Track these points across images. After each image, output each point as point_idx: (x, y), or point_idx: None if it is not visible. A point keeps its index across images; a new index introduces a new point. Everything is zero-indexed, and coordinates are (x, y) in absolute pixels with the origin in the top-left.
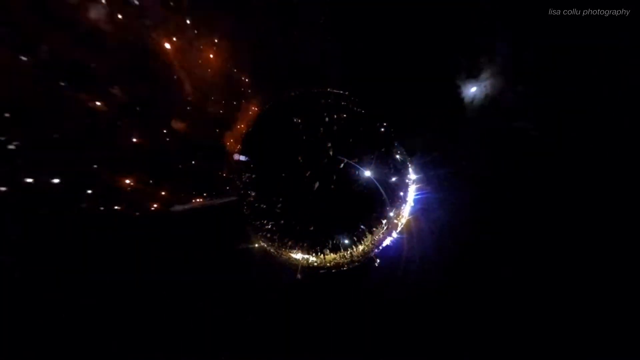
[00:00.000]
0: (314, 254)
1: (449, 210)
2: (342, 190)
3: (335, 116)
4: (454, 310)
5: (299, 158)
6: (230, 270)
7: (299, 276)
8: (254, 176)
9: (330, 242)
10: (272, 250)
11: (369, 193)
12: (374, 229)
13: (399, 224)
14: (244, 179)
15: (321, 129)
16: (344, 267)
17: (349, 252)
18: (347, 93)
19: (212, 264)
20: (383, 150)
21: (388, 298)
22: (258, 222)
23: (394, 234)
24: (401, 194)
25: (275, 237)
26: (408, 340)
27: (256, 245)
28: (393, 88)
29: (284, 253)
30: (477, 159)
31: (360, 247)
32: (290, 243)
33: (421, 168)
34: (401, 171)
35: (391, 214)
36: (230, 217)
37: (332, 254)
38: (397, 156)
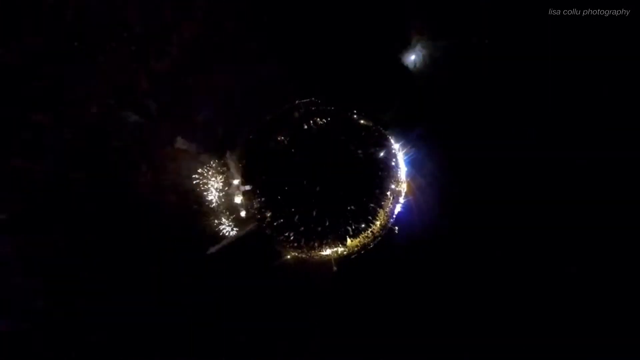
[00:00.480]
0: (340, 245)
1: (435, 160)
2: (343, 182)
3: (311, 122)
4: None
5: (296, 169)
6: (275, 285)
7: (335, 268)
8: (263, 199)
9: (351, 229)
10: (303, 256)
11: (367, 175)
12: (383, 202)
13: (401, 189)
14: (255, 205)
15: (304, 138)
16: (370, 245)
17: (369, 231)
18: (313, 99)
19: (257, 285)
20: (364, 134)
21: (415, 254)
22: (282, 237)
23: (401, 200)
24: (393, 163)
25: (301, 243)
26: (445, 284)
27: (288, 256)
28: (346, 80)
29: (314, 254)
30: (436, 110)
31: (378, 223)
32: (316, 244)
33: (399, 135)
34: (385, 145)
35: (392, 185)
36: (256, 242)
37: (356, 239)
38: (377, 133)
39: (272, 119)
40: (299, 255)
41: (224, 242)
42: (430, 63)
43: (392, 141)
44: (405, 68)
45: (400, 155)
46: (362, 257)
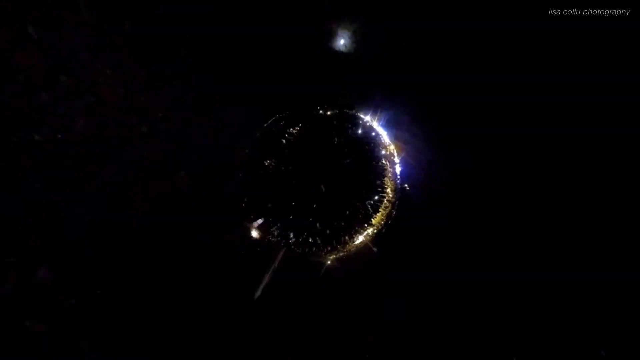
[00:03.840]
0: (368, 227)
1: (406, 113)
2: (342, 170)
3: (287, 134)
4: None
5: (295, 181)
6: (314, 295)
7: (375, 249)
8: (279, 224)
9: (369, 207)
10: (341, 255)
11: (358, 154)
12: (384, 170)
13: (392, 151)
14: (275, 232)
15: (289, 151)
16: (393, 212)
17: (385, 201)
18: (277, 116)
19: (294, 301)
20: (335, 122)
21: (433, 201)
22: (314, 249)
23: (397, 160)
24: (373, 133)
25: (334, 245)
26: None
27: (328, 262)
28: (290, 82)
29: (350, 248)
30: (385, 73)
31: (389, 190)
32: (347, 237)
33: (364, 107)
34: (358, 122)
35: (383, 151)
36: (293, 264)
37: (378, 214)
38: (346, 116)
39: (249, 156)
40: (338, 256)
41: (265, 281)
42: (358, 38)
43: (362, 115)
44: (339, 52)
45: (374, 123)
46: (392, 226)
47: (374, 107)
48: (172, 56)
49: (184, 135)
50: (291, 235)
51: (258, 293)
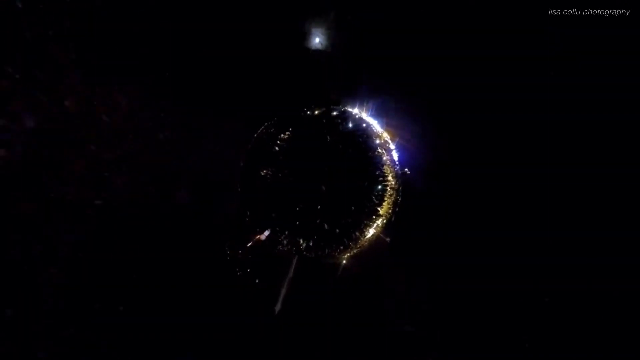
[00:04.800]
0: (376, 218)
1: (392, 100)
2: (339, 169)
3: (278, 141)
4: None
5: (295, 183)
6: (351, 288)
7: (388, 239)
8: (287, 232)
9: (374, 198)
10: (355, 251)
11: (353, 149)
12: (382, 159)
13: (385, 138)
14: (284, 242)
15: (282, 158)
16: (398, 199)
17: (388, 189)
18: (276, 118)
19: (336, 299)
20: (325, 121)
21: (435, 179)
22: (326, 251)
23: (392, 147)
24: (364, 125)
25: (346, 243)
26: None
27: (344, 262)
28: (273, 86)
29: (362, 243)
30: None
31: (390, 177)
32: (357, 233)
33: (350, 100)
34: (347, 116)
35: (377, 141)
36: (308, 269)
37: (384, 203)
38: (333, 113)
39: (244, 168)
40: (351, 253)
41: (283, 292)
42: (332, 34)
43: (349, 109)
44: (317, 50)
45: (363, 114)
46: (400, 213)
47: (360, 99)
48: (151, 73)
49: (171, 155)
50: (301, 242)
51: (278, 307)
